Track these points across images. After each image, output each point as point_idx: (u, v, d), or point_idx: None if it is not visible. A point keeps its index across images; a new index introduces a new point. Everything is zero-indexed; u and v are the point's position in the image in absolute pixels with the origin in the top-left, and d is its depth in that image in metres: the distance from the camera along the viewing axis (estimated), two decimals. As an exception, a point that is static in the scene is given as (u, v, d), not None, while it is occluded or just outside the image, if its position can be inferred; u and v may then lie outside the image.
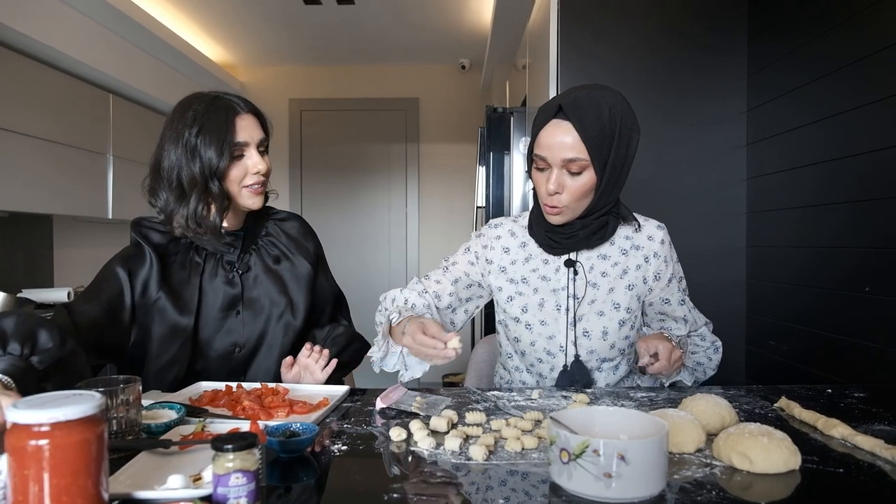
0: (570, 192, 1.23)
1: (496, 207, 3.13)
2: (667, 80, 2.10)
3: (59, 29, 2.85)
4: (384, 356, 1.30)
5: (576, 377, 1.32)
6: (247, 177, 1.30)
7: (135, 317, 1.30)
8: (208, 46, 4.35)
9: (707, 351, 1.40)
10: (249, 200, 1.32)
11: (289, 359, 1.31)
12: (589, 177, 1.22)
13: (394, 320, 1.28)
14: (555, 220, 1.29)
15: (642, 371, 1.21)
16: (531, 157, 1.29)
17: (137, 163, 3.35)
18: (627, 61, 2.11)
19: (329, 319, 1.51)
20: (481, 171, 3.31)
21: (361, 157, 4.93)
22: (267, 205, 1.43)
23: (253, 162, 1.29)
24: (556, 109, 1.22)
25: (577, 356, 1.32)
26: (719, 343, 1.42)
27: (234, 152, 1.27)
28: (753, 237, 2.09)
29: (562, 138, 1.20)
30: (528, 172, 1.33)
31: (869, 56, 1.52)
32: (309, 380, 1.29)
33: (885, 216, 1.47)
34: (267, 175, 1.33)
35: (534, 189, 1.35)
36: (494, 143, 3.09)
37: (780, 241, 1.93)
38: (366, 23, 3.93)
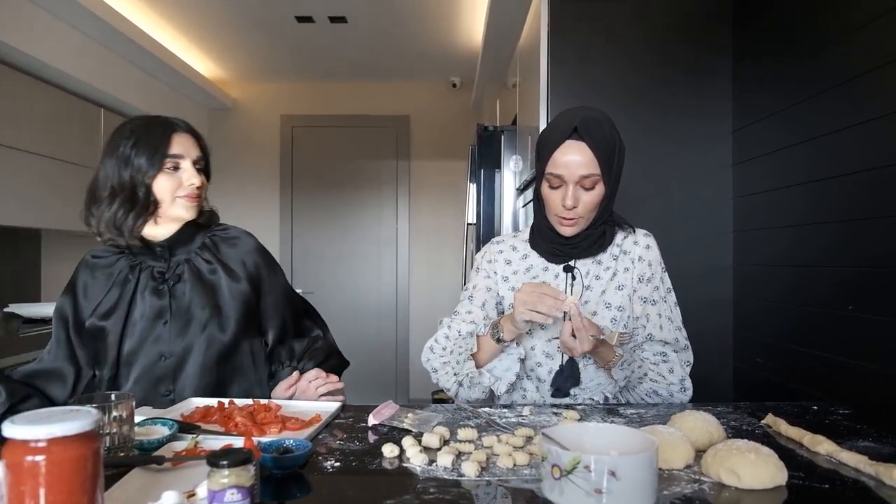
0: (585, 205, 1.34)
1: (487, 225, 3.15)
2: (654, 100, 2.14)
3: (51, 44, 2.86)
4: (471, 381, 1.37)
5: (568, 375, 1.37)
6: (181, 188, 1.35)
7: (80, 339, 1.37)
8: (200, 62, 4.37)
9: (671, 387, 1.36)
10: (183, 210, 1.37)
11: (294, 375, 1.35)
12: (601, 190, 1.33)
13: (483, 330, 1.37)
14: (569, 231, 1.38)
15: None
16: (541, 177, 1.37)
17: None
18: (616, 81, 2.14)
19: (295, 331, 1.53)
20: (472, 188, 3.34)
21: (352, 174, 4.95)
22: (221, 221, 1.49)
23: (187, 175, 1.36)
24: (570, 131, 1.30)
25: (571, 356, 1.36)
26: (689, 384, 1.37)
27: (168, 164, 1.33)
28: (740, 256, 2.12)
29: (578, 157, 1.30)
30: (538, 190, 1.41)
31: (852, 80, 1.56)
32: (301, 398, 1.31)
33: (867, 236, 1.50)
34: (201, 189, 1.39)
35: (535, 205, 1.45)
36: (485, 160, 3.13)
37: (767, 260, 1.96)
38: (358, 40, 3.97)
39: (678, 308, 1.45)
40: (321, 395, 1.34)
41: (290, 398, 1.32)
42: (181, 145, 1.36)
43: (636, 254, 1.44)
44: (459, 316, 1.49)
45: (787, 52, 1.85)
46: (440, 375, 1.45)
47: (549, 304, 1.19)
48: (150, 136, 1.33)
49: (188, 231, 1.41)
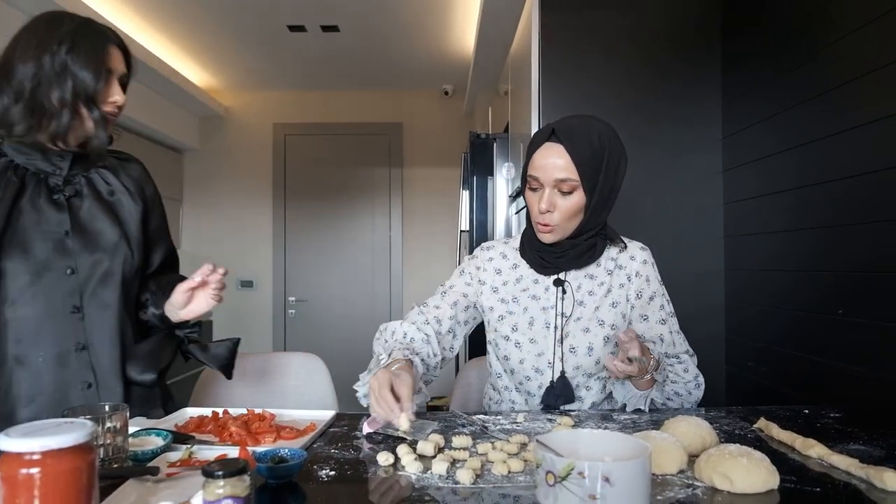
0: (561, 212, 1.29)
1: (479, 232, 3.16)
2: (645, 108, 2.16)
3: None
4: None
5: (559, 393, 1.34)
6: (103, 105, 1.26)
7: None
8: (192, 71, 4.37)
9: (688, 385, 1.38)
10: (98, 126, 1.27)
11: (190, 282, 1.26)
12: (579, 197, 1.29)
13: (383, 362, 1.26)
14: (546, 238, 1.34)
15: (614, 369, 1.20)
16: (525, 179, 1.35)
17: None
18: (607, 89, 2.16)
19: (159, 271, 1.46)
20: (464, 195, 3.35)
21: (345, 182, 4.95)
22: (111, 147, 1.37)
23: (113, 91, 1.27)
24: (549, 133, 1.29)
25: (563, 372, 1.35)
26: (702, 380, 1.40)
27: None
28: (731, 261, 2.13)
29: (554, 160, 1.27)
30: (522, 193, 1.39)
31: (837, 87, 1.58)
32: (194, 308, 1.29)
33: (856, 241, 1.52)
34: (121, 109, 1.31)
35: (526, 211, 1.40)
36: (478, 167, 3.14)
37: (757, 265, 1.97)
38: (350, 49, 3.98)
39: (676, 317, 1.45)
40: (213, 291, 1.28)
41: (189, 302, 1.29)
42: (114, 59, 1.27)
43: (633, 269, 1.40)
44: (424, 309, 1.43)
45: (775, 61, 1.87)
46: (373, 358, 1.36)
47: (382, 412, 1.09)
48: (87, 44, 1.22)
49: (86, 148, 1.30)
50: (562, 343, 1.36)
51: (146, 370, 1.32)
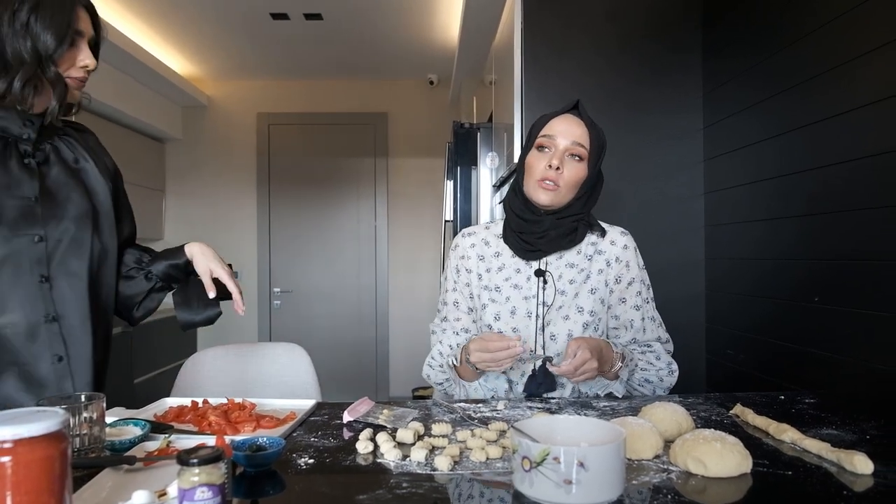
0: (568, 177, 1.36)
1: (464, 221, 3.16)
2: (627, 98, 2.16)
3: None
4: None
5: (541, 381, 1.35)
6: (73, 69, 1.22)
7: None
8: (175, 60, 4.32)
9: (660, 372, 1.39)
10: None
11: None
12: (584, 170, 1.37)
13: (455, 357, 1.37)
14: (544, 197, 1.37)
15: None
16: (530, 143, 1.42)
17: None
18: (589, 79, 2.17)
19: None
20: (449, 185, 3.34)
21: (330, 172, 4.93)
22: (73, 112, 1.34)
23: (84, 55, 1.23)
24: (573, 105, 1.41)
25: (544, 360, 1.35)
26: (675, 367, 1.42)
27: (73, 40, 1.20)
28: (712, 250, 2.15)
29: (575, 128, 1.37)
30: (520, 164, 1.44)
31: (818, 75, 1.59)
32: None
33: (832, 230, 1.54)
34: (89, 73, 1.27)
35: (513, 186, 1.45)
36: (462, 157, 3.13)
37: (737, 254, 1.99)
38: (334, 37, 3.95)
39: (654, 302, 1.47)
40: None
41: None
42: (83, 21, 1.22)
43: (612, 254, 1.43)
44: (449, 325, 1.48)
45: (755, 49, 1.89)
46: (446, 388, 1.48)
47: (507, 363, 1.21)
48: (55, 5, 1.17)
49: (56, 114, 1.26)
50: (543, 331, 1.37)
51: (209, 306, 1.35)
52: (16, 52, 1.16)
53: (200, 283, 1.35)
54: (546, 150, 1.37)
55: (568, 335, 1.36)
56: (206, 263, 1.34)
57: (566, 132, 1.36)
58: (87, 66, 1.23)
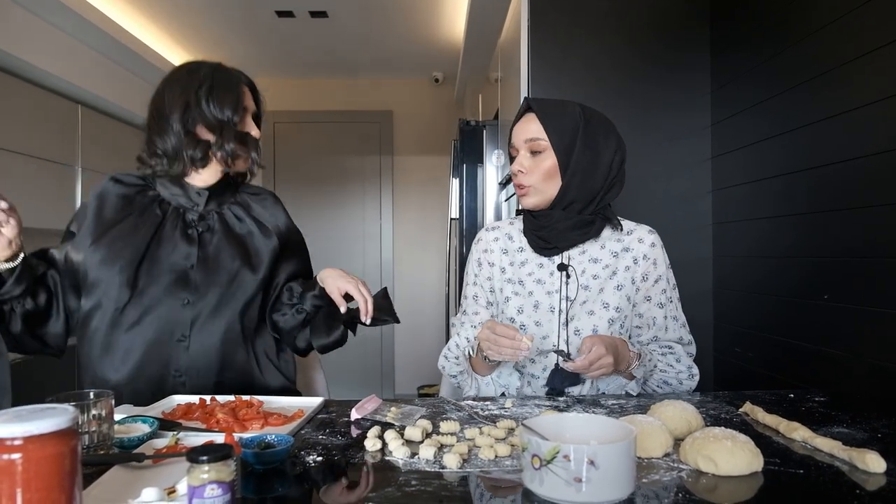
0: (533, 172, 1.37)
1: (470, 219, 3.16)
2: (634, 95, 2.15)
3: (28, 40, 2.81)
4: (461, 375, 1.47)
5: (565, 376, 1.34)
6: None
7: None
8: (180, 58, 4.32)
9: (679, 374, 1.38)
10: (240, 163, 1.41)
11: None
12: (550, 159, 1.36)
13: (471, 347, 1.38)
14: (525, 201, 1.41)
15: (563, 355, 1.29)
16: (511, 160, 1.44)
17: (106, 175, 3.30)
18: (596, 76, 2.16)
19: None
20: (454, 183, 3.34)
21: (335, 170, 4.93)
22: (245, 181, 1.52)
23: (248, 127, 1.41)
24: (525, 108, 1.41)
25: (568, 354, 1.35)
26: (696, 371, 1.40)
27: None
28: (719, 247, 2.14)
29: (526, 125, 1.39)
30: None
31: (824, 73, 1.58)
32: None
33: (841, 226, 1.53)
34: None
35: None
36: (468, 155, 3.13)
37: (745, 252, 1.98)
38: (339, 35, 3.95)
39: (679, 303, 1.46)
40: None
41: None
42: (247, 97, 1.42)
43: (640, 252, 1.42)
44: (468, 318, 1.49)
45: (763, 47, 1.87)
46: (460, 381, 1.48)
47: (507, 352, 1.19)
48: (224, 83, 1.38)
49: (224, 183, 1.44)
50: (567, 326, 1.37)
51: (333, 329, 1.44)
52: (200, 126, 1.36)
53: (328, 309, 1.44)
54: (514, 158, 1.41)
55: (593, 330, 1.36)
56: (333, 283, 1.40)
57: (520, 133, 1.40)
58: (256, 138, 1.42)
